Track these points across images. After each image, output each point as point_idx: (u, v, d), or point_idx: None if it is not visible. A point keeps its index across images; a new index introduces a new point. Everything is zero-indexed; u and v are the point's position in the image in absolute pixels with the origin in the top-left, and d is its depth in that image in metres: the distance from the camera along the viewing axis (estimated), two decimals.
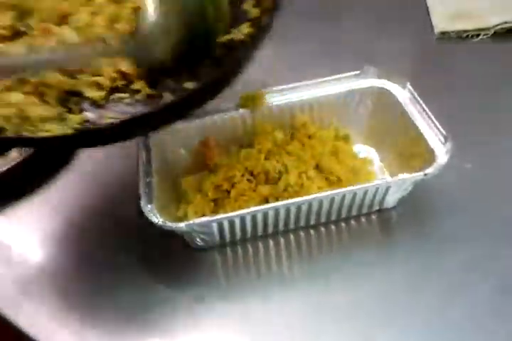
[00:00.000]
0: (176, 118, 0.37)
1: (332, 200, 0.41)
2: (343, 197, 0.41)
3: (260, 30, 0.36)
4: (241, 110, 0.47)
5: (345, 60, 0.57)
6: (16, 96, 0.35)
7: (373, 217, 0.45)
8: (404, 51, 0.64)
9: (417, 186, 0.43)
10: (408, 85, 0.47)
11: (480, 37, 0.65)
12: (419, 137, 0.43)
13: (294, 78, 0.49)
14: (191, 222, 0.38)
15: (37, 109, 0.35)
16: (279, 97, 0.48)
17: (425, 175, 0.39)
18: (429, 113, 0.44)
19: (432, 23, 0.67)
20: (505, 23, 0.64)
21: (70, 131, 0.34)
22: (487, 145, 0.50)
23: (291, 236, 0.44)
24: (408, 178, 0.40)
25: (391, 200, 0.44)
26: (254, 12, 0.39)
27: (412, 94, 0.46)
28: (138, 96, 0.37)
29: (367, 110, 0.49)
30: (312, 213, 0.42)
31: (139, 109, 0.36)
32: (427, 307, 0.38)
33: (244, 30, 0.38)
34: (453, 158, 0.41)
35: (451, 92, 0.56)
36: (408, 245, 0.43)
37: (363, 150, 0.50)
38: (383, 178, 0.46)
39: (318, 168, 0.45)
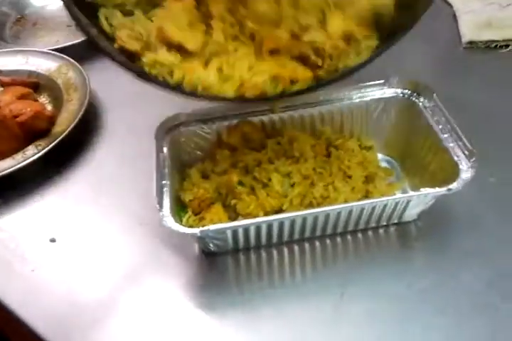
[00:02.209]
0: None
1: (350, 212, 0.40)
2: (362, 209, 0.40)
3: None
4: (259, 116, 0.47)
5: (371, 69, 0.56)
6: None
7: (392, 229, 0.44)
8: (431, 61, 0.63)
9: (438, 199, 0.42)
10: (434, 96, 0.46)
11: (509, 47, 0.63)
12: (444, 150, 0.42)
13: None
14: (206, 228, 0.38)
15: None
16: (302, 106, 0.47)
17: (449, 190, 0.38)
18: (455, 125, 0.43)
19: (459, 32, 0.66)
20: None
21: None
22: None
23: (306, 245, 0.43)
24: (431, 193, 0.39)
25: (411, 214, 0.43)
26: None
27: (437, 105, 0.45)
28: None
29: (390, 120, 0.48)
30: (329, 223, 0.41)
31: None
32: (444, 325, 0.37)
33: None
34: (477, 171, 0.40)
35: (477, 104, 0.55)
36: (426, 259, 0.42)
37: (385, 160, 0.49)
38: (405, 192, 0.45)
39: (345, 179, 0.44)
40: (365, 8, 0.41)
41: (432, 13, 0.71)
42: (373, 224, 0.43)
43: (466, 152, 0.41)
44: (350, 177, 0.44)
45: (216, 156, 0.44)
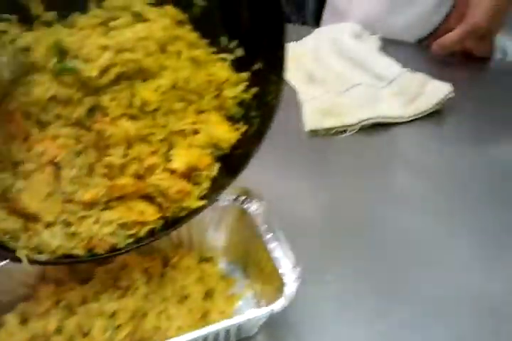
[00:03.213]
0: None
1: None
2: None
3: None
4: None
5: None
6: None
7: None
8: (273, 152, 0.64)
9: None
10: (264, 203, 0.46)
11: (347, 133, 0.67)
12: (271, 260, 0.42)
13: None
14: None
15: None
16: None
17: (272, 310, 0.38)
18: (281, 235, 0.43)
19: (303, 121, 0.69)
20: (369, 119, 0.67)
21: None
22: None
23: None
24: (253, 317, 0.38)
25: (249, 329, 0.42)
26: None
27: (267, 212, 0.45)
28: None
29: (228, 228, 0.48)
30: None
31: None
32: None
33: None
34: (313, 272, 0.41)
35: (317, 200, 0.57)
36: None
37: (230, 268, 0.48)
38: (247, 302, 0.44)
39: (181, 301, 0.42)
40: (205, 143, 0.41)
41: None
42: None
43: (291, 263, 0.41)
44: (187, 297, 0.43)
45: (38, 293, 0.41)
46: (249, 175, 0.52)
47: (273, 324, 0.43)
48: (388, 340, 0.43)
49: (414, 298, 0.46)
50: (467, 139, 0.68)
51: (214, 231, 0.48)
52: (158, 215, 0.40)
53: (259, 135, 0.42)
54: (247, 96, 0.43)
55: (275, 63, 0.41)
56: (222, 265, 0.48)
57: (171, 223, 0.41)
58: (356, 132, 0.68)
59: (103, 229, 0.38)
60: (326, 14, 1.03)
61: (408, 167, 0.64)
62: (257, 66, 0.42)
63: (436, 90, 0.69)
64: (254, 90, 0.43)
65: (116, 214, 0.39)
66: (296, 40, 0.88)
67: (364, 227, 0.54)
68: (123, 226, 0.39)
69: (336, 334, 0.43)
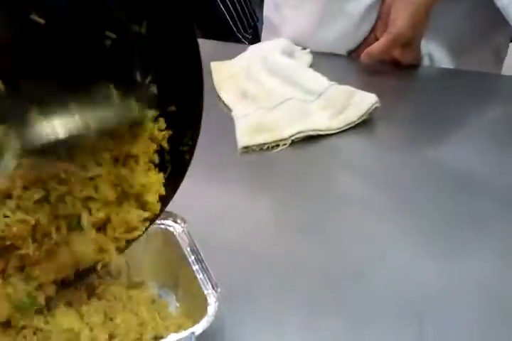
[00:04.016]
0: None
1: None
2: None
3: None
4: None
5: None
6: None
7: None
8: (206, 170, 0.66)
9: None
10: (186, 225, 0.47)
11: (280, 147, 0.69)
12: (195, 281, 0.43)
13: None
14: None
15: None
16: None
17: (192, 333, 0.39)
18: (202, 256, 0.44)
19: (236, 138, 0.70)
20: (299, 133, 0.69)
21: None
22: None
23: None
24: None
25: None
26: None
27: (189, 235, 0.46)
28: None
29: (156, 252, 0.49)
30: None
31: None
32: None
33: None
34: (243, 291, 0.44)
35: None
36: None
37: (163, 291, 0.49)
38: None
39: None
40: None
41: (214, 120, 0.78)
42: None
43: (212, 285, 0.42)
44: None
45: None
46: (180, 196, 0.54)
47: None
48: None
49: (348, 308, 0.47)
50: (401, 144, 0.71)
51: (143, 256, 0.49)
52: None
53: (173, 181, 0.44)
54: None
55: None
56: (153, 290, 0.48)
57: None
58: (290, 146, 0.69)
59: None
60: (264, 31, 1.05)
61: (346, 173, 0.66)
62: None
63: (362, 101, 0.71)
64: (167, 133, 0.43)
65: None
66: (232, 58, 0.90)
67: (302, 235, 0.55)
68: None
69: None
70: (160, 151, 0.44)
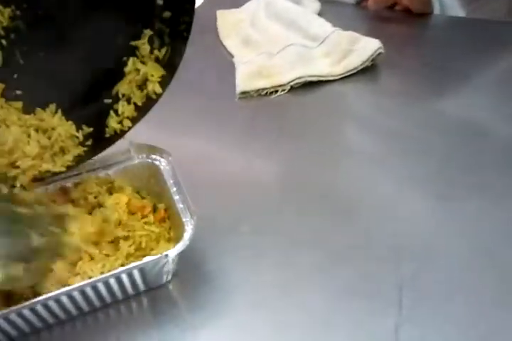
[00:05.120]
0: None
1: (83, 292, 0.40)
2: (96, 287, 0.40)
3: None
4: None
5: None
6: None
7: (143, 297, 0.44)
8: (204, 113, 0.66)
9: (186, 256, 0.43)
10: (170, 159, 0.48)
11: (278, 93, 0.68)
12: (176, 210, 0.44)
13: None
14: None
15: None
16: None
17: (166, 256, 0.40)
18: (183, 188, 0.45)
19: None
20: (299, 78, 0.68)
21: None
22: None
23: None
24: (148, 262, 0.40)
25: (155, 277, 0.43)
26: None
27: (173, 168, 0.47)
28: None
29: (147, 183, 0.50)
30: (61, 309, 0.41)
31: None
32: None
33: None
34: (230, 222, 0.46)
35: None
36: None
37: None
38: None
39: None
40: None
41: (216, 65, 0.77)
42: (122, 297, 0.43)
43: (190, 213, 0.43)
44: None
45: None
46: (173, 134, 0.54)
47: (185, 273, 0.45)
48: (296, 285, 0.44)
49: (325, 245, 0.47)
50: (405, 92, 0.68)
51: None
52: None
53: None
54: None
55: None
56: None
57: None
58: (289, 92, 0.68)
59: None
60: None
61: (345, 120, 0.65)
62: None
63: (366, 47, 0.70)
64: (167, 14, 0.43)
65: None
66: (239, 6, 0.89)
67: (289, 182, 0.55)
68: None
69: (245, 281, 0.45)
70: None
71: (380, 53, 0.70)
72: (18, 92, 0.41)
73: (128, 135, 0.47)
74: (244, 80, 0.69)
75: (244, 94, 0.68)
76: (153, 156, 0.49)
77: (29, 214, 0.41)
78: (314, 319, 0.41)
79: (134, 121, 0.46)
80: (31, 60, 0.41)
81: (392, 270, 0.44)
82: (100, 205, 0.46)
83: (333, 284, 0.43)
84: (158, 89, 0.45)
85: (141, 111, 0.46)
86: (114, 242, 0.44)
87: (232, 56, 0.77)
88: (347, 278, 0.44)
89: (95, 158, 0.48)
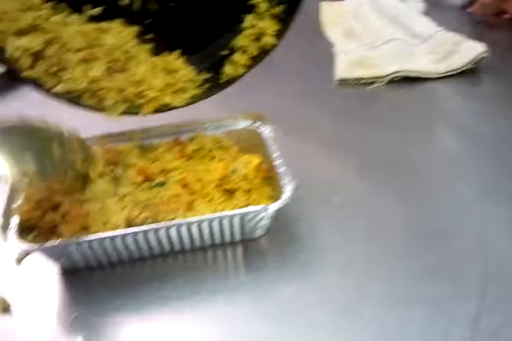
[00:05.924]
0: None
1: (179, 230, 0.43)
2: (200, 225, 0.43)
3: None
4: None
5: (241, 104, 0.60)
6: None
7: (238, 246, 0.47)
8: (300, 96, 0.68)
9: (283, 215, 0.46)
10: (272, 129, 0.51)
11: (376, 84, 0.69)
12: (276, 174, 0.47)
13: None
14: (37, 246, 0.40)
15: None
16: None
17: (266, 208, 0.42)
18: (282, 155, 0.48)
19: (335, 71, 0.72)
20: (398, 72, 0.69)
21: None
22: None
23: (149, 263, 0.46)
24: (251, 211, 0.43)
25: (252, 228, 0.46)
26: None
27: (275, 136, 0.50)
28: None
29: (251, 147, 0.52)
30: (164, 241, 0.44)
31: None
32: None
33: None
34: (321, 193, 0.48)
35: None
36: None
37: None
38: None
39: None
40: None
41: (315, 53, 0.79)
42: (218, 241, 0.46)
43: (290, 178, 0.45)
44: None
45: None
46: (273, 110, 0.56)
47: (277, 232, 0.48)
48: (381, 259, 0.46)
49: (413, 226, 0.48)
50: (505, 100, 0.67)
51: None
52: None
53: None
54: None
55: None
56: None
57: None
58: (387, 85, 0.70)
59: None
60: None
61: (439, 121, 0.65)
62: None
63: (470, 49, 0.70)
64: None
65: None
66: None
67: (382, 165, 0.56)
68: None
69: (333, 247, 0.46)
70: None
71: (483, 57, 0.69)
72: (149, 36, 0.47)
73: (236, 107, 0.52)
74: (344, 68, 0.71)
75: (343, 81, 0.70)
76: (257, 124, 0.52)
77: None
78: (397, 294, 0.42)
79: (248, 68, 0.50)
80: (164, 9, 0.47)
81: (480, 257, 0.44)
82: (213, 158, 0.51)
83: (419, 264, 0.44)
84: (274, 41, 0.48)
85: (255, 59, 0.49)
86: (229, 191, 0.47)
87: (332, 46, 0.78)
88: (433, 259, 0.45)
89: (207, 119, 0.52)
